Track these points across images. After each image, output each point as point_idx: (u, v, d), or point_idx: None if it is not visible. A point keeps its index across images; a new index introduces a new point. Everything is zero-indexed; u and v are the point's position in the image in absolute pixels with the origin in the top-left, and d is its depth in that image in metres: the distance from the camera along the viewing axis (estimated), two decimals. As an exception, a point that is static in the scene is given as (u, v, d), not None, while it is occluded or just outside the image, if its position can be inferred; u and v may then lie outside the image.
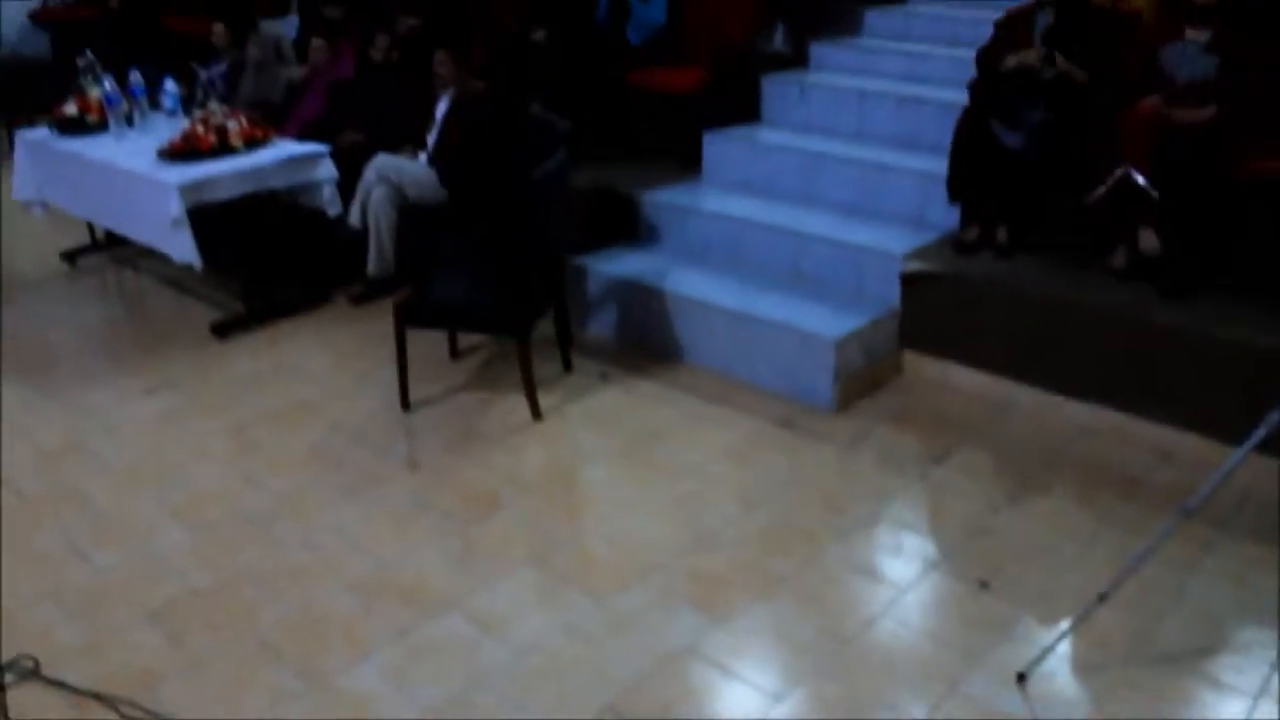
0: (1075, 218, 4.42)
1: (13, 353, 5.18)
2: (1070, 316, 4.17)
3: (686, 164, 5.88)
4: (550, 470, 4.05)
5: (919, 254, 4.60)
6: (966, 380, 4.48)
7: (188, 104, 5.95)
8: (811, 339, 4.37)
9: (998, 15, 5.47)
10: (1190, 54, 4.29)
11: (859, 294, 4.72)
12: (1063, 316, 4.18)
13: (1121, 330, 4.04)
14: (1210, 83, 4.22)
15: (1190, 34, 4.32)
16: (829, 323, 4.45)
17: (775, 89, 6.12)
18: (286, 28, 7.68)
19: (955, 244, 4.63)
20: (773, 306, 4.62)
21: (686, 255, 5.24)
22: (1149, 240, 4.17)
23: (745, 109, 6.10)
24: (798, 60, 6.55)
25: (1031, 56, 4.51)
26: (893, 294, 4.61)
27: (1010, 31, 4.69)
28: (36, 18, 10.67)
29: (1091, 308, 4.13)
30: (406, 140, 5.65)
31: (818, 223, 5.04)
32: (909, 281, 4.55)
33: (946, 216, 4.81)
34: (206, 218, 5.06)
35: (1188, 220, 4.11)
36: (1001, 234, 4.55)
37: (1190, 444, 3.91)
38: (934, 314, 4.52)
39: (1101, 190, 4.19)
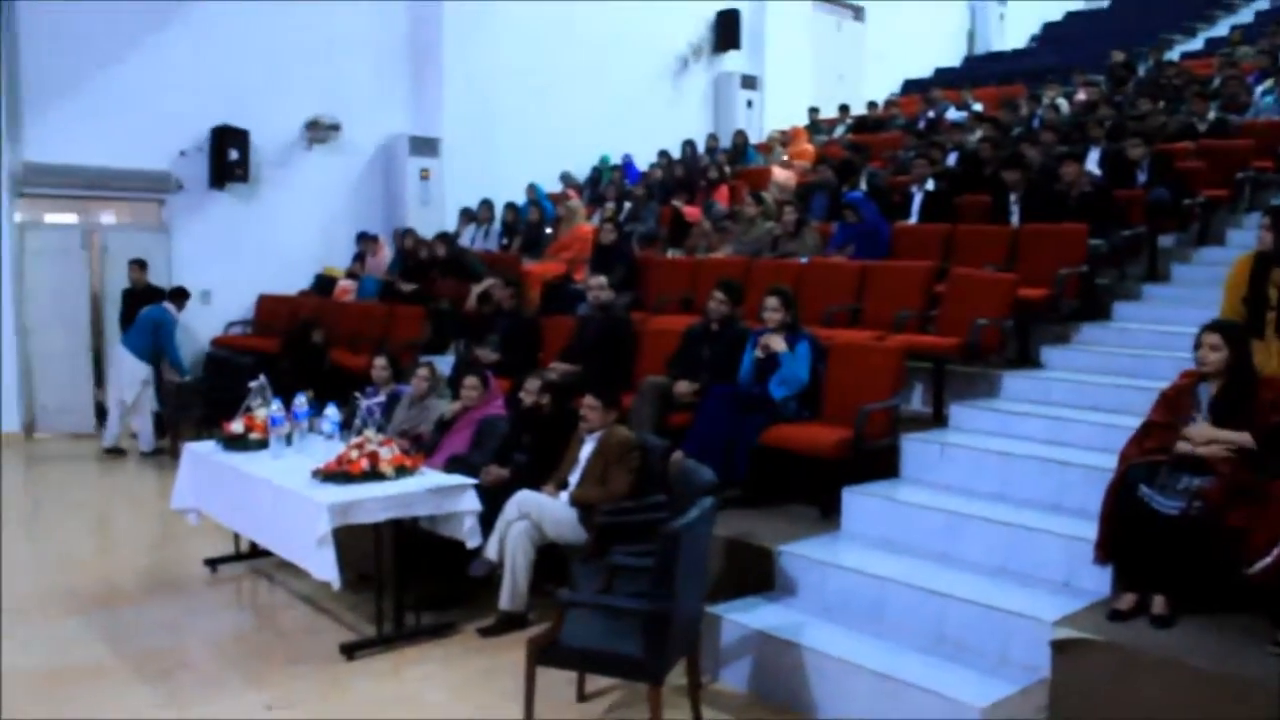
0: (1239, 587, 4.18)
1: (146, 656, 5.25)
2: (1241, 694, 3.84)
3: (825, 517, 5.85)
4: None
5: (1070, 620, 4.38)
6: (1125, 760, 4.13)
7: (346, 429, 6.27)
8: (957, 706, 4.13)
9: (1137, 382, 5.51)
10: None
11: (1005, 660, 4.49)
12: (1232, 693, 3.86)
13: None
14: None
15: None
16: (975, 690, 4.22)
17: (915, 447, 6.15)
18: (444, 364, 8.15)
19: (1109, 612, 4.41)
20: (915, 669, 4.41)
21: (824, 610, 5.09)
22: (1322, 614, 3.92)
23: (885, 465, 6.11)
24: (937, 420, 6.63)
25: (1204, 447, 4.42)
26: (1041, 661, 4.36)
27: (1175, 402, 4.67)
28: (220, 344, 11.68)
29: (1264, 685, 3.80)
30: (549, 480, 5.81)
31: (961, 584, 4.88)
32: (1060, 649, 4.31)
33: (1097, 582, 4.62)
34: (348, 538, 5.19)
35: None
36: (1158, 603, 4.32)
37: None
38: (1088, 685, 4.24)
39: (1268, 561, 3.99)
